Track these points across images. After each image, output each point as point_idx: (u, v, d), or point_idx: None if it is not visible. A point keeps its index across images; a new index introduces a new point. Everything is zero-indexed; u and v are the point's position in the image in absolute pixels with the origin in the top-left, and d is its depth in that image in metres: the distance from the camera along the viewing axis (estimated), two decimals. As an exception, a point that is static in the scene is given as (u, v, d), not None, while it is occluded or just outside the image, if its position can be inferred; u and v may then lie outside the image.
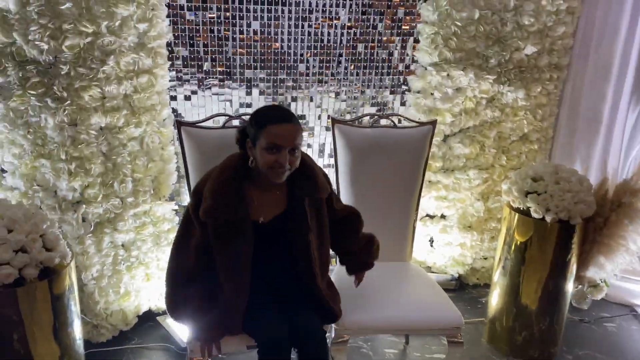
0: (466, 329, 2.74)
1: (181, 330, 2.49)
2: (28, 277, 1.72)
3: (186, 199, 2.71)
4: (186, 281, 1.80)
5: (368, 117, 2.46)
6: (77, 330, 1.98)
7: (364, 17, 2.71)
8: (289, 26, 2.64)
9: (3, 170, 2.26)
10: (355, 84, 2.84)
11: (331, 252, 1.99)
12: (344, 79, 2.82)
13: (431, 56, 2.70)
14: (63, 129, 2.11)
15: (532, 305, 2.45)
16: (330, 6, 2.65)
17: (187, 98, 2.68)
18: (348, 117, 2.86)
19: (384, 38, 2.79)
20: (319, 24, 2.67)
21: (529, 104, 2.88)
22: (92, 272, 2.35)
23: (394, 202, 2.38)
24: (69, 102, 2.08)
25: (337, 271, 2.34)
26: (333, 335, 2.01)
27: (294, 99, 2.80)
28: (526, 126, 2.92)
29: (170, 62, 2.45)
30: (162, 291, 2.67)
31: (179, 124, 2.15)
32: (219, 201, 1.66)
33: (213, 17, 2.55)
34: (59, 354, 1.89)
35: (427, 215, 3.06)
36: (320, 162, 2.90)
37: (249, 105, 2.73)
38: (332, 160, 2.35)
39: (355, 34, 2.74)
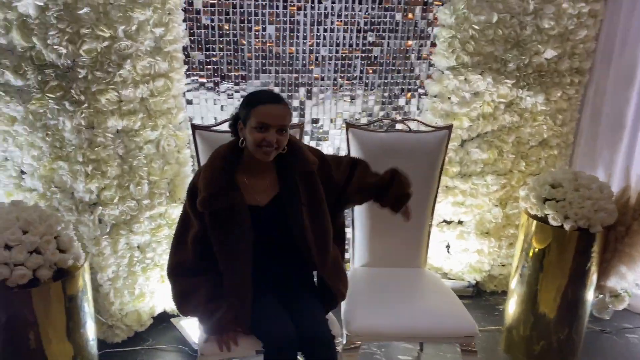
0: (482, 337, 2.70)
1: (195, 333, 2.50)
2: (42, 278, 1.75)
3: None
4: (187, 275, 1.83)
5: (383, 121, 2.44)
6: (91, 330, 2.01)
7: (379, 20, 2.70)
8: (304, 30, 2.64)
9: (22, 172, 2.30)
10: (371, 88, 2.83)
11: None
12: (359, 82, 2.80)
13: (448, 60, 2.66)
14: (80, 131, 2.14)
15: (550, 314, 2.40)
16: (346, 9, 2.64)
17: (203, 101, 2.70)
18: (363, 121, 2.85)
19: (400, 42, 2.77)
20: (334, 27, 2.67)
21: (548, 109, 2.82)
22: (108, 273, 2.38)
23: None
24: (86, 105, 2.11)
25: (351, 275, 2.33)
26: (344, 342, 1.99)
27: (309, 103, 2.79)
28: (546, 131, 2.87)
29: (186, 66, 2.47)
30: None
31: (194, 127, 2.17)
32: (213, 191, 1.71)
33: (229, 22, 2.56)
34: (72, 354, 1.92)
35: (444, 221, 3.02)
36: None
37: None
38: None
39: (371, 37, 2.72)
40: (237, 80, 2.67)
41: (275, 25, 2.61)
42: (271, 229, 1.83)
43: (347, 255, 3.04)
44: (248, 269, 1.79)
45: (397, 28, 2.73)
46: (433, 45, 2.78)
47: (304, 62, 2.70)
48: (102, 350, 2.40)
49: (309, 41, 2.67)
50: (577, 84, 2.85)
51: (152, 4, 2.16)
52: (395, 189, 1.97)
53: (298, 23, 2.62)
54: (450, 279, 3.11)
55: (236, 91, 2.69)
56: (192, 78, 2.63)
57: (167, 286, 2.61)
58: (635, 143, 2.84)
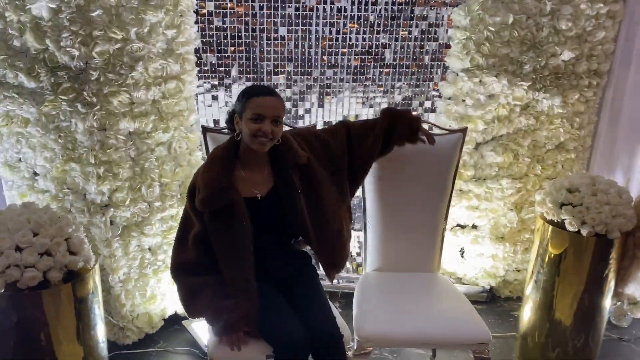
0: (497, 343, 2.66)
1: (205, 336, 2.49)
2: (52, 280, 1.76)
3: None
4: (191, 274, 1.86)
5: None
6: (101, 332, 2.01)
7: (392, 22, 2.67)
8: (317, 32, 2.63)
9: (35, 173, 2.32)
10: (384, 90, 2.80)
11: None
12: (372, 84, 2.78)
13: (463, 62, 2.63)
14: (92, 133, 2.15)
15: (566, 321, 2.35)
16: (359, 11, 2.62)
17: (215, 102, 2.69)
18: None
19: (414, 43, 2.74)
20: (347, 29, 2.65)
21: (565, 112, 2.77)
22: (119, 275, 2.38)
23: (421, 211, 2.32)
24: (98, 107, 2.11)
25: (363, 280, 2.30)
26: (355, 347, 1.96)
27: (321, 105, 2.78)
28: (562, 135, 2.82)
29: (198, 68, 2.46)
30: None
31: (205, 129, 2.16)
32: (212, 190, 1.76)
33: (240, 24, 2.56)
34: (83, 356, 1.92)
35: (458, 225, 2.98)
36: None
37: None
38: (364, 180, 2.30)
39: (384, 39, 2.70)
40: (248, 83, 2.66)
41: (287, 27, 2.59)
42: (270, 219, 1.89)
43: (359, 260, 3.04)
44: (250, 266, 1.82)
45: (411, 29, 2.70)
46: (447, 46, 2.74)
47: (317, 64, 2.69)
48: (112, 352, 2.41)
49: (322, 43, 2.65)
50: (595, 86, 2.79)
51: (164, 6, 2.16)
52: (402, 128, 2.08)
53: (310, 25, 2.61)
54: (464, 284, 3.07)
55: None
56: (204, 80, 2.63)
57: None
58: (655, 147, 2.78)
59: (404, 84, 2.80)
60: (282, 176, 1.90)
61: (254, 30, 2.58)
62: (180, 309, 2.70)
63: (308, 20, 2.60)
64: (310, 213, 1.91)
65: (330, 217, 1.95)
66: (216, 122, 2.75)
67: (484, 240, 2.94)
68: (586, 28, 2.61)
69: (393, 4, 2.63)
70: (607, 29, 2.66)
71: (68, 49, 1.99)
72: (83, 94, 2.08)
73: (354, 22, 2.64)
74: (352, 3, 2.60)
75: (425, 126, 2.39)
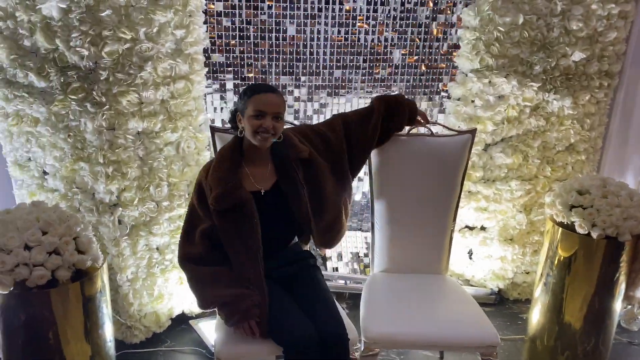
0: (505, 346, 2.64)
1: (212, 335, 2.50)
2: (61, 279, 1.76)
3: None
4: (199, 264, 1.90)
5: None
6: (108, 331, 2.01)
7: (402, 22, 2.66)
8: (326, 32, 2.62)
9: (45, 173, 2.33)
10: (393, 90, 2.79)
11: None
12: (380, 85, 2.77)
13: (472, 62, 2.61)
14: (101, 133, 2.15)
15: (576, 324, 2.33)
16: (368, 11, 2.62)
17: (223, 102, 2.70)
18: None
19: (423, 44, 2.73)
20: (356, 29, 2.64)
21: (576, 113, 2.74)
22: (127, 274, 2.39)
23: (429, 212, 2.31)
24: (107, 107, 2.12)
25: (371, 281, 2.30)
26: (362, 348, 1.96)
27: (329, 105, 2.77)
28: (573, 136, 2.79)
29: (206, 68, 2.47)
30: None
31: (213, 129, 2.16)
32: (224, 188, 1.82)
33: (249, 24, 2.56)
34: (90, 354, 1.93)
35: (467, 226, 2.97)
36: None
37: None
38: (366, 168, 2.31)
39: (392, 39, 2.69)
40: (257, 83, 2.66)
41: (297, 27, 2.59)
42: (273, 213, 1.93)
43: (366, 260, 3.03)
44: (260, 259, 1.87)
45: (421, 30, 2.69)
46: (456, 47, 2.73)
47: (325, 64, 2.68)
48: (120, 350, 2.42)
49: (330, 43, 2.65)
50: (606, 87, 2.77)
51: (173, 6, 2.16)
52: (397, 116, 2.15)
53: (319, 24, 2.60)
54: (472, 285, 3.06)
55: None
56: (212, 80, 2.63)
57: (185, 288, 2.62)
58: (667, 149, 2.75)
59: (412, 84, 2.79)
60: (284, 171, 1.95)
61: (262, 30, 2.58)
62: (187, 309, 2.71)
63: (317, 20, 2.59)
64: (312, 205, 1.96)
65: (330, 207, 2.00)
66: (218, 121, 2.75)
67: (492, 242, 2.92)
68: (597, 28, 2.59)
69: (402, 4, 2.62)
70: (619, 30, 2.64)
71: (78, 49, 2.00)
72: (92, 94, 2.09)
73: (362, 23, 2.64)
74: (361, 3, 2.60)
75: (435, 127, 2.39)
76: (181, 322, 2.71)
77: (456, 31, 2.71)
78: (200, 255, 1.90)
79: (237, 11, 2.53)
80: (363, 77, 2.74)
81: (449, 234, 2.36)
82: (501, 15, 2.49)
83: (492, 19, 2.51)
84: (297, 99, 2.73)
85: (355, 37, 2.65)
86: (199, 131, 2.48)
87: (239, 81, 2.66)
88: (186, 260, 1.93)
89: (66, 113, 2.13)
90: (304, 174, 1.95)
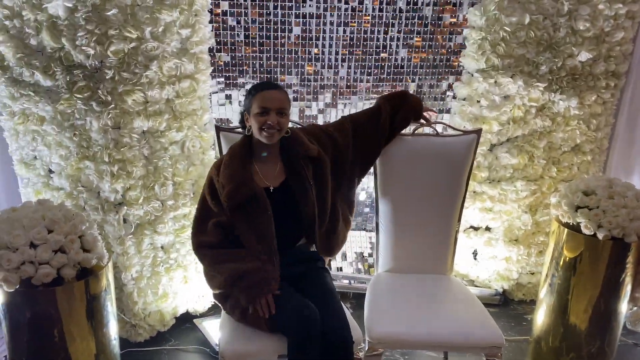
0: (509, 347, 2.63)
1: (216, 334, 2.50)
2: (66, 277, 1.76)
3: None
4: (214, 248, 1.93)
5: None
6: (113, 330, 2.02)
7: (407, 22, 2.65)
8: (331, 31, 2.62)
9: (51, 171, 2.34)
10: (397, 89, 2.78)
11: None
12: (385, 84, 2.76)
13: (478, 62, 2.60)
14: (107, 132, 2.16)
15: (581, 326, 2.32)
16: (373, 10, 2.61)
17: (229, 102, 2.70)
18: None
19: (429, 44, 2.72)
20: (361, 28, 2.64)
21: (582, 113, 2.73)
22: (132, 273, 2.40)
23: (434, 212, 2.31)
24: (113, 105, 2.13)
25: (375, 281, 2.29)
26: (366, 348, 1.96)
27: (334, 104, 2.77)
28: (579, 136, 2.78)
29: (212, 68, 2.47)
30: (200, 292, 2.71)
31: (218, 129, 2.17)
32: (237, 183, 1.86)
33: (255, 23, 2.56)
34: (95, 352, 1.93)
35: (471, 227, 2.96)
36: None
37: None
38: (371, 169, 2.30)
39: (398, 39, 2.68)
40: (262, 81, 2.66)
41: (302, 26, 2.59)
42: (282, 210, 1.93)
43: (370, 260, 3.03)
44: (275, 245, 1.91)
45: (427, 29, 2.68)
46: (462, 46, 2.72)
47: (330, 63, 2.68)
48: (124, 349, 2.43)
49: (336, 42, 2.64)
50: (613, 87, 2.75)
51: (178, 5, 2.16)
52: (405, 113, 2.17)
53: (324, 24, 2.60)
54: (476, 286, 3.05)
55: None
56: (217, 79, 2.63)
57: (190, 287, 2.63)
58: (674, 149, 2.74)
59: (417, 83, 2.79)
60: (294, 169, 1.97)
61: (268, 30, 2.58)
62: (191, 308, 2.71)
63: (322, 19, 2.59)
64: (318, 205, 1.98)
65: (328, 209, 2.02)
66: (225, 121, 2.75)
67: (497, 243, 2.91)
68: (604, 28, 2.58)
69: (407, 3, 2.62)
70: (626, 30, 2.62)
71: (83, 48, 2.00)
72: (98, 93, 2.10)
73: (368, 22, 2.63)
74: (368, 2, 2.59)
75: (440, 127, 2.39)
76: (185, 321, 2.72)
77: (462, 31, 2.70)
78: (215, 242, 1.92)
79: (242, 10, 2.53)
80: (368, 77, 2.73)
81: (453, 234, 2.35)
82: (507, 15, 2.48)
83: (498, 18, 2.50)
84: (301, 99, 2.72)
85: (360, 36, 2.64)
86: (204, 130, 2.49)
87: (244, 80, 2.66)
88: (201, 247, 1.96)
89: (72, 112, 2.14)
90: (313, 173, 1.97)
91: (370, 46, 2.68)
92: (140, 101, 2.19)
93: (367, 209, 3.07)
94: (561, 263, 2.31)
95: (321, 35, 2.62)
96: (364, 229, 3.13)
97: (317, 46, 2.64)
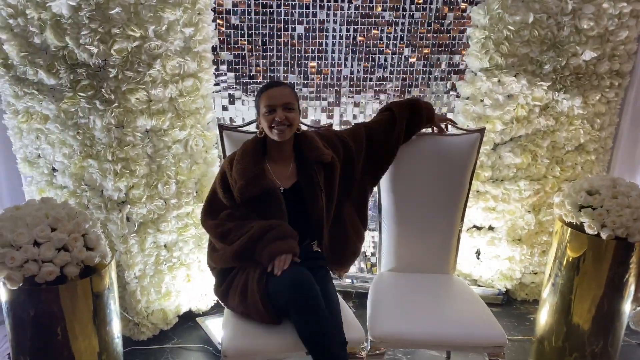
0: (512, 347, 2.63)
1: (219, 333, 2.50)
2: (69, 275, 1.77)
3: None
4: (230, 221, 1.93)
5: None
6: (116, 328, 2.02)
7: (410, 20, 2.65)
8: (334, 30, 2.62)
9: (54, 169, 2.34)
10: (401, 89, 2.78)
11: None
12: (388, 83, 2.76)
13: (481, 61, 2.60)
14: (110, 130, 2.16)
15: (584, 326, 2.31)
16: (377, 9, 2.60)
17: (231, 102, 2.70)
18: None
19: (432, 42, 2.71)
20: (364, 27, 2.63)
21: (586, 113, 2.72)
22: (135, 271, 2.40)
23: (437, 212, 2.30)
24: (116, 104, 2.13)
25: (378, 280, 2.29)
26: (369, 347, 1.95)
27: (337, 104, 2.77)
28: (583, 136, 2.77)
29: (215, 66, 2.47)
30: (203, 291, 2.71)
31: (221, 127, 2.17)
32: (248, 179, 1.87)
33: (258, 22, 2.56)
34: (98, 350, 1.93)
35: (474, 226, 2.95)
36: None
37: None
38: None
39: (401, 37, 2.68)
40: (265, 81, 2.66)
41: (305, 25, 2.59)
42: (291, 211, 1.94)
43: (373, 260, 3.02)
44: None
45: (430, 28, 2.68)
46: (466, 46, 2.72)
47: (333, 62, 2.68)
48: (127, 347, 2.43)
49: (339, 41, 2.64)
50: (617, 86, 2.74)
51: (182, 4, 2.17)
52: (416, 119, 2.18)
53: (328, 22, 2.60)
54: (479, 286, 3.04)
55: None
56: (220, 78, 2.64)
57: (193, 285, 2.64)
58: (679, 149, 2.72)
59: (420, 82, 2.78)
60: (306, 172, 1.97)
61: (271, 29, 2.58)
62: (194, 306, 2.72)
63: (325, 18, 2.59)
64: (327, 210, 1.98)
65: (336, 214, 2.03)
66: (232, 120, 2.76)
67: (500, 242, 2.91)
68: (608, 27, 2.57)
69: (412, 2, 2.61)
70: (630, 29, 2.61)
71: (87, 47, 2.01)
72: (101, 91, 2.10)
73: (372, 21, 2.63)
74: (371, 1, 2.58)
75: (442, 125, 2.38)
76: (188, 319, 2.72)
77: (465, 29, 2.69)
78: (227, 225, 1.92)
79: (246, 9, 2.53)
80: (371, 76, 2.73)
81: (456, 234, 2.35)
82: (511, 13, 2.47)
83: (502, 17, 2.50)
84: (304, 98, 2.72)
85: (364, 35, 2.64)
86: (207, 129, 2.49)
87: (247, 79, 2.66)
88: (213, 229, 1.95)
89: (75, 110, 2.14)
90: (325, 178, 1.97)
91: (374, 45, 2.67)
92: (143, 100, 2.19)
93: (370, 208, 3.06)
94: (564, 263, 2.31)
95: (324, 34, 2.62)
96: (368, 229, 3.12)
97: (320, 45, 2.64)
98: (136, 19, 2.07)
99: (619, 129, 2.90)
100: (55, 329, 1.80)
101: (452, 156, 2.27)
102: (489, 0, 2.51)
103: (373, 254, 3.04)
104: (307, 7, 2.56)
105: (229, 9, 2.52)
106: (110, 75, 2.09)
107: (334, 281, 2.04)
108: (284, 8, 2.55)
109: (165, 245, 2.51)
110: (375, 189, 2.31)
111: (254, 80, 2.67)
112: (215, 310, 2.79)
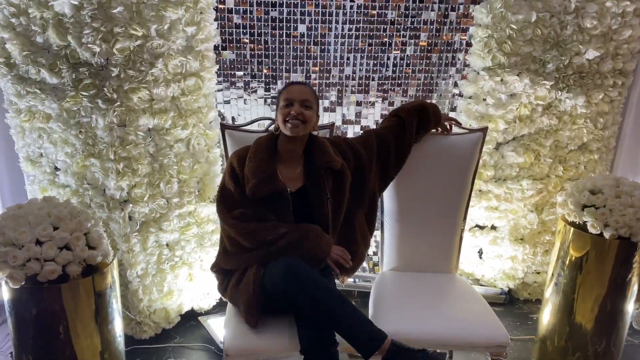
0: (514, 346, 2.62)
1: (221, 332, 2.50)
2: (72, 274, 1.77)
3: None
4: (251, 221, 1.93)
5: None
6: (118, 327, 2.02)
7: (413, 19, 2.64)
8: (336, 29, 2.61)
9: (56, 168, 2.35)
10: (404, 88, 2.78)
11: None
12: (391, 82, 2.76)
13: (484, 60, 2.59)
14: (112, 129, 2.16)
15: (587, 325, 2.31)
16: (380, 8, 2.60)
17: (233, 101, 2.70)
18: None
19: (435, 40, 2.71)
20: (367, 27, 2.63)
21: (589, 112, 2.71)
22: (137, 270, 2.40)
23: (440, 211, 2.30)
24: (118, 103, 2.13)
25: (380, 279, 2.29)
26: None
27: (340, 103, 2.76)
28: (586, 135, 2.76)
29: (217, 65, 2.47)
30: (205, 290, 2.71)
31: (223, 127, 2.17)
32: (260, 179, 1.87)
33: (260, 21, 2.56)
34: (100, 349, 1.94)
35: (477, 225, 2.95)
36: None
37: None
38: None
39: (404, 36, 2.67)
40: (267, 80, 2.67)
41: (307, 24, 2.59)
42: (297, 214, 1.94)
43: (375, 259, 3.02)
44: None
45: (432, 27, 2.67)
46: (468, 45, 2.71)
47: (335, 61, 2.67)
48: (129, 346, 2.44)
49: (341, 40, 2.64)
50: (620, 85, 2.73)
51: (184, 3, 2.16)
52: (426, 130, 2.20)
53: (330, 22, 2.60)
54: (482, 285, 3.04)
55: (266, 90, 2.68)
56: (222, 77, 2.63)
57: (195, 284, 2.64)
58: (682, 148, 2.72)
59: (423, 81, 2.78)
60: (313, 178, 1.97)
61: (273, 28, 2.58)
62: (196, 305, 2.72)
63: (328, 17, 2.59)
64: (333, 217, 1.97)
65: (344, 222, 2.02)
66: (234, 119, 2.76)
67: (503, 242, 2.90)
68: (612, 26, 2.56)
69: (414, 1, 2.61)
70: (634, 27, 2.60)
71: (89, 46, 2.01)
72: (104, 90, 2.10)
73: (374, 19, 2.62)
74: (373, 0, 2.58)
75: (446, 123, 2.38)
76: (190, 318, 2.72)
77: (468, 28, 2.68)
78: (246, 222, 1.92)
79: (248, 8, 2.53)
80: (374, 75, 2.72)
81: (459, 233, 2.34)
82: (514, 12, 2.47)
83: (505, 16, 2.49)
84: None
85: (366, 33, 2.64)
86: (209, 128, 2.49)
87: (249, 78, 2.66)
88: (236, 222, 1.92)
89: (78, 109, 2.15)
90: (332, 185, 1.97)
91: (376, 44, 2.67)
92: (145, 99, 2.19)
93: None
94: (567, 262, 2.30)
95: (326, 32, 2.61)
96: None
97: (322, 44, 2.63)
98: (138, 18, 2.06)
99: (622, 128, 2.90)
100: (57, 328, 1.80)
101: (454, 155, 2.27)
102: (492, -1, 2.51)
103: (375, 253, 3.04)
104: (309, 6, 2.55)
105: (231, 8, 2.52)
106: (113, 75, 2.09)
107: (335, 281, 2.04)
108: (286, 7, 2.54)
109: (167, 244, 2.51)
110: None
111: (257, 80, 2.66)
112: (217, 309, 2.79)
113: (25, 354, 1.84)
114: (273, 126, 2.01)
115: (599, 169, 2.89)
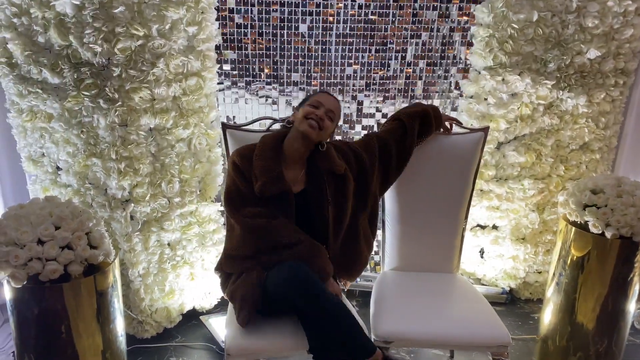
0: (516, 346, 2.62)
1: (222, 331, 2.50)
2: (73, 274, 1.78)
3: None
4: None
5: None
6: (120, 326, 2.03)
7: (414, 19, 2.64)
8: (337, 29, 2.61)
9: (58, 168, 2.35)
10: (405, 87, 2.77)
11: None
12: (392, 82, 2.75)
13: (485, 60, 2.59)
14: (114, 129, 2.17)
15: (588, 325, 2.30)
16: (381, 8, 2.60)
17: (235, 101, 2.70)
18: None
19: (435, 40, 2.71)
20: (368, 26, 2.63)
21: (590, 111, 2.71)
22: (139, 270, 2.41)
23: (441, 211, 2.30)
24: (120, 103, 2.13)
25: (381, 279, 2.29)
26: (372, 346, 1.95)
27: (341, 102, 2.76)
28: (587, 135, 2.76)
29: (218, 65, 2.47)
30: (206, 289, 2.71)
31: (225, 126, 2.17)
32: (268, 179, 1.89)
33: (261, 21, 2.56)
34: (102, 348, 1.94)
35: (478, 225, 2.94)
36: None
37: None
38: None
39: (405, 36, 2.67)
40: (268, 80, 2.67)
41: (308, 24, 2.59)
42: (298, 216, 1.95)
43: (377, 258, 3.02)
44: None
45: (433, 27, 2.67)
46: (470, 44, 2.71)
47: (337, 60, 2.67)
48: (131, 345, 2.44)
49: (342, 39, 2.64)
50: (622, 85, 2.73)
51: (185, 3, 2.17)
52: (428, 133, 2.21)
53: (331, 22, 2.60)
54: (483, 285, 3.04)
55: (267, 90, 2.69)
56: (223, 77, 2.64)
57: (196, 284, 2.64)
58: (684, 148, 2.71)
59: (424, 80, 2.78)
60: (315, 181, 1.98)
61: (274, 27, 2.58)
62: (198, 305, 2.72)
63: (329, 17, 2.59)
64: (333, 221, 1.97)
65: (345, 227, 2.02)
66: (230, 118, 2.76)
67: (504, 241, 2.90)
68: (613, 26, 2.55)
69: (415, 0, 2.61)
70: (636, 27, 2.60)
71: (91, 45, 2.01)
72: (105, 90, 2.10)
73: (375, 18, 2.62)
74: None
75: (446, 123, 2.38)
76: (192, 317, 2.73)
77: (469, 27, 2.68)
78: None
79: (249, 8, 2.53)
80: (375, 75, 2.72)
81: (460, 233, 2.34)
82: (515, 12, 2.46)
83: (506, 15, 2.49)
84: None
85: (367, 33, 2.64)
86: (210, 128, 2.49)
87: (250, 78, 2.66)
88: (250, 219, 1.92)
89: (79, 109, 2.15)
90: (334, 189, 1.97)
91: (377, 43, 2.67)
92: (147, 99, 2.19)
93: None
94: (569, 262, 2.30)
95: (328, 32, 2.61)
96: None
97: (324, 43, 2.63)
98: (140, 17, 2.07)
99: (623, 128, 2.89)
100: (59, 327, 1.81)
101: (455, 155, 2.27)
102: (493, -2, 2.51)
103: (377, 253, 3.04)
104: (310, 6, 2.55)
105: (233, 8, 2.52)
106: (114, 74, 2.09)
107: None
108: (287, 7, 2.54)
109: (168, 244, 2.51)
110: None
111: (257, 79, 2.66)
112: (218, 308, 2.80)
113: (27, 354, 1.85)
114: (288, 118, 2.04)
115: (601, 169, 2.88)
